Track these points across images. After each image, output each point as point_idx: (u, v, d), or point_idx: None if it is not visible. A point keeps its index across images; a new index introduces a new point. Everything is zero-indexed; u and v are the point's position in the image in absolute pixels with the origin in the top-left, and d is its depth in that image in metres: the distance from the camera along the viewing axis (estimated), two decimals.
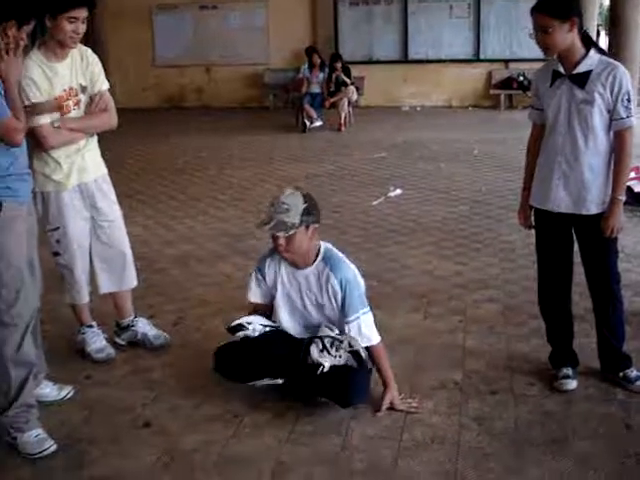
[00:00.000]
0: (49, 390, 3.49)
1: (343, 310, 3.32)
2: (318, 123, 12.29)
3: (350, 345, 3.27)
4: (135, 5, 15.80)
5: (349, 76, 12.78)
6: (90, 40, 14.72)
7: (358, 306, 3.31)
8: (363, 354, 3.29)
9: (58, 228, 3.70)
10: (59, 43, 3.54)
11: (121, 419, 3.33)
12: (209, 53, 15.79)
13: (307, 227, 3.21)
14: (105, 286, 3.97)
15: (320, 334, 3.35)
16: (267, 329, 3.42)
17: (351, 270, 3.39)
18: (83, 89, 3.68)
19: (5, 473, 2.96)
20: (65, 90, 3.60)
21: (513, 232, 6.01)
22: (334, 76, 12.63)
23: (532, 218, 3.59)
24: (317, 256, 3.35)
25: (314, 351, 3.27)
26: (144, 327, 4.07)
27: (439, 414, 3.27)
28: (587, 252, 3.40)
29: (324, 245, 3.41)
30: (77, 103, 3.67)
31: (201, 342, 3.90)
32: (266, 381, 3.37)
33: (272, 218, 3.18)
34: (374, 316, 3.36)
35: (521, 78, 14.26)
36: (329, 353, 3.25)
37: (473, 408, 3.31)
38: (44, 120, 3.52)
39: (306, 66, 13.02)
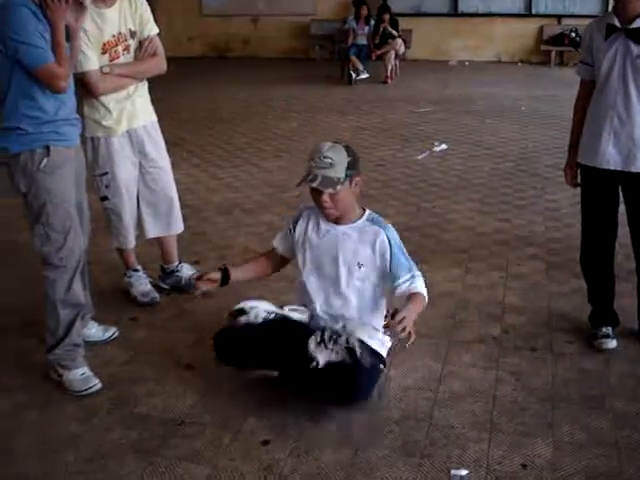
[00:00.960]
0: (94, 331, 3.59)
1: (391, 271, 3.05)
2: (364, 75, 12.19)
3: (347, 342, 2.95)
4: None
5: (397, 28, 12.62)
6: None
7: (411, 266, 3.07)
8: (358, 352, 2.92)
9: (107, 173, 3.76)
10: None
11: (164, 360, 3.41)
12: (256, 3, 15.67)
13: (351, 180, 3.00)
14: (152, 231, 4.03)
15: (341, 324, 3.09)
16: (271, 316, 3.15)
17: (395, 232, 3.14)
18: (132, 34, 3.68)
19: (50, 409, 3.06)
20: (114, 36, 3.61)
21: (559, 191, 5.95)
22: (381, 28, 12.48)
23: (579, 177, 3.53)
24: (361, 216, 3.12)
25: (311, 344, 2.96)
26: (188, 273, 4.14)
27: (476, 367, 3.30)
28: (634, 212, 3.35)
29: (368, 210, 3.17)
30: (126, 48, 3.67)
31: (243, 288, 3.96)
32: (264, 371, 3.19)
33: (315, 174, 2.94)
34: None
35: (573, 34, 13.90)
36: (326, 347, 2.94)
37: (510, 363, 3.32)
38: (93, 66, 3.54)
39: (352, 17, 12.87)
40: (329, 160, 2.94)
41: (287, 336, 3.04)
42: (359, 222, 3.11)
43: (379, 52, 12.33)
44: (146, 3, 3.79)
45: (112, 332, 3.63)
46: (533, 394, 3.08)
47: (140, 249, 4.18)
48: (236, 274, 3.21)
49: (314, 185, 2.95)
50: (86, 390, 3.15)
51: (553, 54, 14.21)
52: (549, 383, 3.16)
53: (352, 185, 3.02)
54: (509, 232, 5.06)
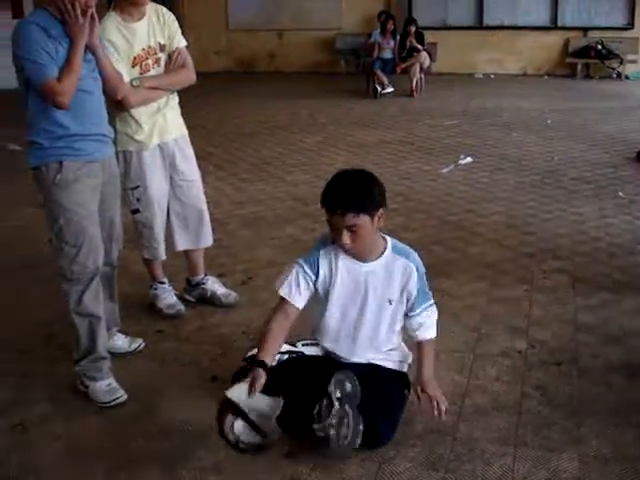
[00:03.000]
0: (121, 342, 3.62)
1: (415, 301, 2.96)
2: (389, 89, 12.20)
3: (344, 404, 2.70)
4: None
5: (422, 42, 12.64)
6: (167, 3, 14.93)
7: (428, 294, 3.00)
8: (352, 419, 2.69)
9: (139, 186, 3.79)
10: (131, 2, 3.59)
11: (189, 372, 3.43)
12: (282, 18, 15.78)
13: (373, 216, 2.74)
14: (182, 243, 4.05)
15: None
16: (285, 357, 3.00)
17: (416, 256, 2.98)
18: (162, 47, 3.73)
19: (75, 421, 3.09)
20: (144, 49, 3.65)
21: (585, 204, 5.93)
22: (407, 42, 12.50)
23: None
24: (384, 249, 2.90)
25: (315, 425, 2.69)
26: (213, 285, 4.17)
27: (501, 382, 3.28)
28: None
29: (389, 238, 2.96)
30: (157, 61, 3.72)
31: (268, 301, 3.96)
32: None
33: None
34: (440, 283, 3.36)
35: (599, 47, 13.85)
36: (331, 425, 2.66)
37: (536, 377, 3.30)
38: (124, 80, 3.56)
39: (378, 31, 12.90)
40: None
41: (306, 375, 2.91)
42: (385, 255, 2.89)
43: (404, 65, 12.35)
44: (174, 17, 3.84)
45: (138, 344, 3.66)
46: (558, 409, 3.05)
47: (166, 261, 4.21)
48: (270, 360, 2.83)
49: (344, 215, 2.68)
50: (112, 401, 3.17)
51: (579, 66, 14.16)
52: (575, 398, 3.13)
53: (376, 220, 2.77)
54: (535, 245, 5.03)
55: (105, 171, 3.26)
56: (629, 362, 3.42)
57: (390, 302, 2.94)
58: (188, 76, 3.84)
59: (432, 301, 3.02)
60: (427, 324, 2.99)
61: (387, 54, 12.64)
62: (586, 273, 4.50)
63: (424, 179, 6.87)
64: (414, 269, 2.90)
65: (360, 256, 2.87)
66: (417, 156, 7.85)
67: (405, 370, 3.09)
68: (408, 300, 2.95)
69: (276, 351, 2.89)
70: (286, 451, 2.82)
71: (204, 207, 4.05)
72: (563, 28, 14.60)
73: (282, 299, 2.90)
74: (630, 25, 14.23)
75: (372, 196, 2.74)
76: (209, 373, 3.41)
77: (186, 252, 4.14)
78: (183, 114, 4.00)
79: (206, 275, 4.20)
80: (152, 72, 3.71)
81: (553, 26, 14.69)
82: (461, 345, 3.61)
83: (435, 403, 2.89)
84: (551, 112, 10.34)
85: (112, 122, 3.45)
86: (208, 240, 4.12)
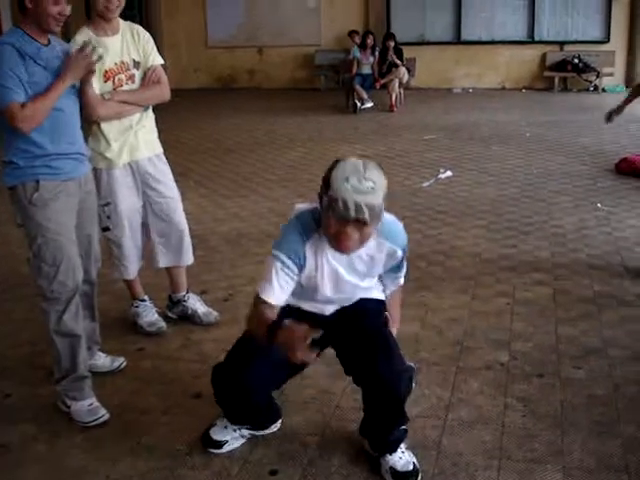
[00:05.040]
0: (102, 361, 3.60)
1: (392, 269, 2.78)
2: (369, 104, 12.26)
3: None
4: None
5: (401, 57, 12.71)
6: (145, 22, 14.99)
7: (404, 263, 2.82)
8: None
9: (109, 204, 3.78)
10: (101, 17, 3.60)
11: (171, 390, 3.41)
12: (261, 34, 15.83)
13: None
14: (162, 261, 4.04)
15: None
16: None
17: (406, 237, 2.70)
18: (136, 64, 3.72)
19: (58, 440, 3.06)
20: (116, 64, 3.65)
21: (564, 216, 5.98)
22: (387, 57, 12.57)
23: None
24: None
25: None
26: (195, 303, 4.15)
27: (484, 395, 3.28)
28: None
29: None
30: (130, 78, 3.71)
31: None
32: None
33: (357, 202, 2.28)
34: (421, 297, 3.36)
35: (576, 60, 14.01)
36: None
37: (519, 390, 3.31)
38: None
39: (357, 47, 12.97)
40: (371, 184, 2.32)
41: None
42: (370, 242, 2.55)
43: (383, 81, 12.41)
44: (149, 35, 3.84)
45: (120, 362, 3.64)
46: (542, 420, 3.06)
47: (149, 279, 4.20)
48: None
49: (365, 218, 2.30)
50: (94, 421, 3.15)
51: (556, 80, 14.29)
52: (558, 409, 3.15)
53: None
54: (515, 258, 5.06)
55: (82, 189, 3.25)
56: (611, 373, 3.44)
57: (371, 264, 2.67)
58: (162, 92, 3.82)
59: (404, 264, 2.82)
60: (399, 279, 2.92)
61: (366, 70, 12.70)
62: (567, 285, 4.53)
63: (405, 193, 6.90)
64: (399, 251, 2.66)
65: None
66: (398, 171, 7.87)
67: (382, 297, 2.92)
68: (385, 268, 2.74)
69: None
70: (270, 469, 2.81)
71: (184, 224, 4.03)
72: (540, 42, 14.75)
73: (258, 299, 2.54)
74: (606, 39, 14.41)
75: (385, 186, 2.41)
76: (191, 391, 3.39)
77: (167, 269, 4.13)
78: (162, 131, 3.99)
79: (188, 292, 4.19)
80: (125, 88, 3.70)
81: (530, 40, 14.83)
82: (444, 359, 3.62)
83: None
84: (529, 125, 10.43)
85: (85, 140, 3.45)
86: (189, 258, 4.10)
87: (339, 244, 2.43)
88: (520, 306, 4.23)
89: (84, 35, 3.60)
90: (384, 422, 2.75)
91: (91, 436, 3.08)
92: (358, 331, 2.74)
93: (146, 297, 4.11)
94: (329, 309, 2.80)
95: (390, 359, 2.64)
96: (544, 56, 14.62)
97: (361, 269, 2.65)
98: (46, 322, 3.17)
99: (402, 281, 2.96)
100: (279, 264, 2.50)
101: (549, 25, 14.76)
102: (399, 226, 2.68)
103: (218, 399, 2.81)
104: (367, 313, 2.80)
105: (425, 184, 7.24)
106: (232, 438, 2.94)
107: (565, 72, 14.19)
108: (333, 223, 2.36)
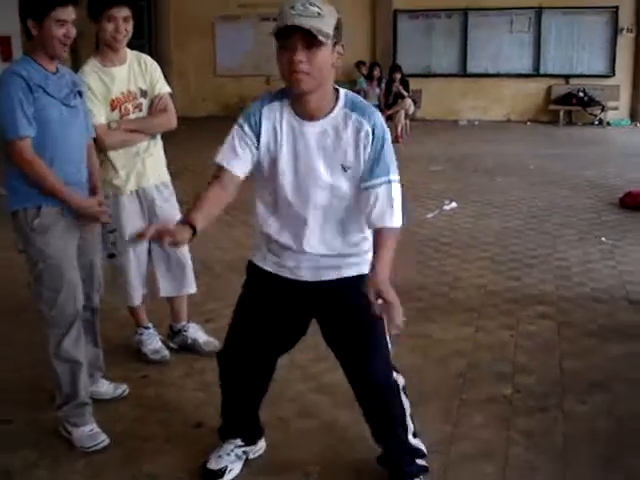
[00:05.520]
0: (105, 388, 3.60)
1: (369, 168, 2.46)
2: None
3: None
4: (198, 17, 16.11)
5: (407, 88, 12.82)
6: (154, 51, 15.16)
7: (390, 166, 2.48)
8: None
9: (115, 230, 3.80)
10: (107, 46, 3.65)
11: (174, 418, 3.41)
12: (269, 64, 15.94)
13: (334, 45, 2.39)
14: (164, 290, 4.04)
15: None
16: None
17: (381, 118, 2.53)
18: (143, 93, 3.77)
19: (59, 467, 3.05)
20: (122, 93, 3.69)
21: (569, 249, 5.99)
22: (393, 87, 12.67)
23: None
24: (336, 102, 2.49)
25: None
26: (195, 333, 4.15)
27: (487, 428, 3.27)
28: None
29: (342, 90, 2.55)
30: (137, 106, 3.75)
31: None
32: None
33: (300, 22, 2.26)
34: (424, 328, 3.36)
35: (581, 94, 14.11)
36: None
37: (522, 423, 3.30)
38: (98, 121, 3.60)
39: (362, 79, 13.08)
40: (316, 9, 2.29)
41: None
42: (335, 111, 2.47)
43: (389, 112, 12.50)
44: (156, 64, 3.88)
45: (122, 390, 3.63)
46: (545, 454, 3.05)
47: (152, 305, 4.20)
48: (201, 223, 2.47)
49: (300, 24, 2.25)
50: (94, 446, 3.15)
51: (561, 113, 14.38)
52: (561, 443, 3.13)
53: (335, 56, 2.42)
54: (519, 290, 5.06)
55: None
56: (615, 407, 3.43)
57: (345, 169, 2.47)
58: (168, 120, 3.85)
59: (396, 178, 2.51)
60: (385, 203, 2.49)
61: (373, 101, 12.78)
62: (571, 318, 4.53)
63: (409, 224, 6.89)
64: (369, 130, 2.44)
65: (308, 103, 2.44)
66: (402, 201, 7.88)
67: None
68: (362, 168, 2.47)
69: (209, 216, 2.52)
70: None
71: (187, 254, 4.03)
72: (545, 75, 14.88)
73: (217, 168, 2.52)
74: (611, 73, 14.53)
75: (337, 24, 2.37)
76: (194, 419, 3.38)
77: (168, 298, 4.13)
78: (169, 158, 4.02)
79: (189, 322, 4.19)
80: (132, 116, 3.74)
81: (535, 74, 14.96)
82: (447, 391, 3.61)
83: (393, 314, 2.40)
84: (534, 158, 10.47)
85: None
86: (191, 287, 4.10)
87: (290, 75, 2.35)
88: (524, 339, 4.23)
89: (91, 65, 3.67)
90: (380, 429, 2.78)
91: (93, 463, 3.07)
92: (343, 322, 2.65)
93: (150, 325, 4.11)
94: (308, 241, 2.56)
95: (374, 360, 2.63)
96: (549, 89, 14.74)
97: (328, 147, 2.46)
98: (47, 346, 3.18)
99: (394, 219, 2.53)
100: (236, 127, 2.51)
101: (554, 59, 14.89)
102: (371, 108, 2.53)
103: (223, 383, 2.86)
104: (356, 297, 2.51)
105: (430, 215, 7.26)
106: (230, 462, 2.93)
107: (570, 105, 14.29)
108: (281, 53, 2.35)
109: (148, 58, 3.86)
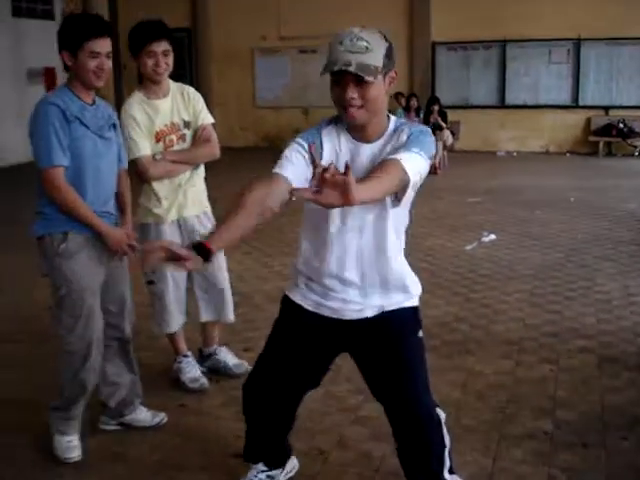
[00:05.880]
0: (143, 416, 3.63)
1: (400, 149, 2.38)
2: None
3: None
4: (238, 48, 16.39)
5: (445, 120, 12.84)
6: (195, 81, 15.43)
7: (421, 147, 2.39)
8: None
9: None
10: (151, 80, 3.75)
11: (211, 448, 3.42)
12: (307, 95, 16.12)
13: (386, 75, 2.38)
14: (204, 315, 4.09)
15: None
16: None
17: (431, 136, 2.51)
18: (187, 124, 3.86)
19: None
20: (166, 125, 3.79)
21: (610, 282, 5.91)
22: (431, 119, 12.70)
23: None
24: (388, 124, 2.51)
25: None
26: (226, 356, 4.21)
27: (527, 464, 3.23)
28: None
29: (393, 117, 2.55)
30: (181, 137, 3.85)
31: None
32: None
33: (348, 60, 2.26)
34: (463, 361, 3.31)
35: (621, 125, 13.99)
36: None
37: (562, 459, 3.25)
38: (143, 152, 3.71)
39: (401, 111, 13.13)
40: (364, 43, 2.29)
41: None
42: (386, 135, 2.49)
43: None
44: (199, 95, 3.96)
45: (161, 418, 3.66)
46: None
47: (188, 333, 4.23)
48: (220, 242, 2.31)
49: (350, 69, 2.26)
50: (66, 460, 3.29)
51: (601, 145, 14.27)
52: (602, 479, 3.09)
53: (387, 83, 2.40)
54: (559, 324, 5.00)
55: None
56: None
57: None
58: (211, 151, 3.93)
59: (424, 155, 2.41)
60: (404, 154, 2.34)
61: None
62: (612, 352, 4.46)
63: (448, 256, 6.89)
64: (408, 130, 2.45)
65: (363, 130, 2.45)
66: (441, 233, 7.89)
67: (415, 301, 2.70)
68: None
69: (234, 233, 2.37)
70: None
71: (226, 282, 4.08)
72: (585, 107, 14.78)
73: (270, 176, 2.47)
74: None
75: (386, 52, 2.35)
76: (231, 449, 3.38)
77: (203, 323, 4.18)
78: (209, 188, 4.10)
79: (219, 346, 4.23)
80: (176, 148, 3.83)
81: (575, 105, 14.87)
82: (486, 425, 3.58)
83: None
84: (574, 190, 10.38)
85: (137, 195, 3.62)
86: (230, 316, 4.13)
87: (345, 110, 2.36)
88: (564, 373, 4.17)
89: (136, 98, 3.77)
90: (415, 464, 2.65)
91: None
92: (385, 356, 2.59)
93: (189, 353, 4.15)
94: (350, 268, 2.54)
95: (417, 392, 2.57)
96: (589, 120, 14.64)
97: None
98: (62, 367, 3.27)
99: (405, 158, 2.32)
100: (294, 144, 2.51)
101: (593, 90, 14.79)
102: (418, 124, 2.55)
103: (247, 414, 2.86)
104: (397, 331, 2.58)
105: (468, 247, 7.23)
106: None
107: (610, 137, 14.17)
108: (333, 88, 2.36)
109: (191, 89, 3.94)
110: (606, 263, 6.53)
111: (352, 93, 2.31)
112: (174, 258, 2.15)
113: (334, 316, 2.61)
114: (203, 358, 4.24)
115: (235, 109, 16.46)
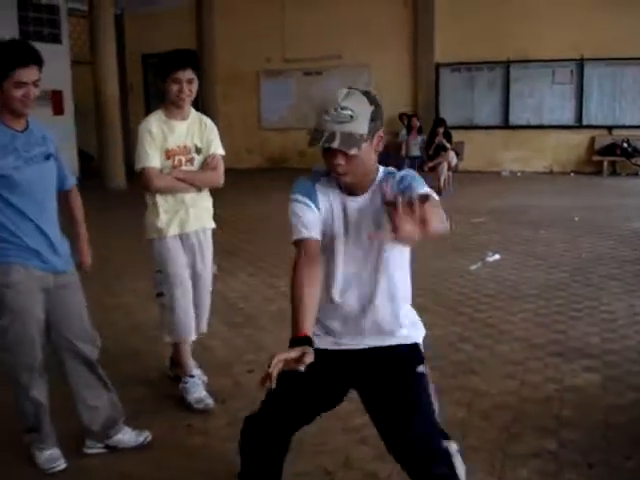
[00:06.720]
0: (128, 437, 3.63)
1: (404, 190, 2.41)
2: None
3: None
4: (244, 71, 16.57)
5: (450, 141, 12.91)
6: (201, 105, 15.54)
7: (420, 185, 2.46)
8: None
9: (161, 271, 4.02)
10: (172, 103, 3.93)
11: (217, 468, 3.43)
12: (312, 117, 16.18)
13: (373, 137, 2.44)
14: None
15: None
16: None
17: (413, 174, 2.59)
18: (198, 150, 4.02)
19: None
20: (178, 146, 3.96)
21: (615, 301, 5.92)
22: (436, 141, 12.78)
23: None
24: (377, 175, 2.58)
25: None
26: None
27: None
28: None
29: (382, 168, 2.62)
30: (189, 160, 4.00)
31: None
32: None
33: (333, 131, 2.35)
34: (468, 381, 3.33)
35: (625, 144, 14.05)
36: None
37: (567, 478, 3.26)
38: (152, 164, 3.88)
39: (404, 131, 13.22)
40: (349, 112, 2.37)
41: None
42: (373, 186, 2.54)
43: (432, 164, 12.58)
44: (215, 127, 4.14)
45: (145, 436, 3.66)
46: None
47: (194, 355, 4.26)
48: (309, 328, 2.42)
49: (334, 146, 2.35)
50: (51, 469, 3.39)
51: (605, 164, 14.33)
52: None
53: (375, 143, 2.46)
54: (564, 343, 5.01)
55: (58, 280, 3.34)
56: None
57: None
58: (215, 178, 4.09)
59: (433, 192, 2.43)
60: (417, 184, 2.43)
61: (415, 152, 12.91)
62: (616, 372, 4.47)
63: (452, 276, 6.92)
64: (397, 177, 2.52)
65: (352, 187, 2.52)
66: (445, 253, 7.91)
67: (419, 338, 2.73)
68: None
69: (313, 312, 2.44)
70: None
71: (208, 298, 4.22)
72: (588, 127, 14.86)
73: (295, 244, 2.51)
74: None
75: (372, 115, 2.42)
76: (236, 470, 3.37)
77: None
78: (215, 208, 4.21)
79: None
80: (184, 168, 3.98)
81: (578, 125, 14.95)
82: (491, 445, 3.58)
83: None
84: (578, 209, 10.42)
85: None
86: (204, 326, 4.25)
87: (333, 173, 2.46)
88: (569, 393, 4.18)
89: (156, 116, 3.96)
90: None
91: None
92: (385, 390, 2.57)
93: (195, 373, 4.17)
94: (353, 310, 2.60)
95: (419, 426, 2.47)
96: (592, 140, 14.71)
97: (370, 215, 2.51)
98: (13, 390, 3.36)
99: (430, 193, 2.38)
100: (293, 202, 2.57)
101: (597, 110, 14.89)
102: (405, 171, 2.60)
103: (244, 453, 2.80)
104: (398, 367, 2.59)
105: (473, 267, 7.25)
106: None
107: (614, 156, 14.24)
108: (324, 154, 2.45)
109: (209, 120, 4.13)
110: (611, 282, 6.55)
111: (339, 161, 2.40)
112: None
113: (337, 348, 2.66)
114: (173, 365, 4.35)
115: (240, 131, 16.59)
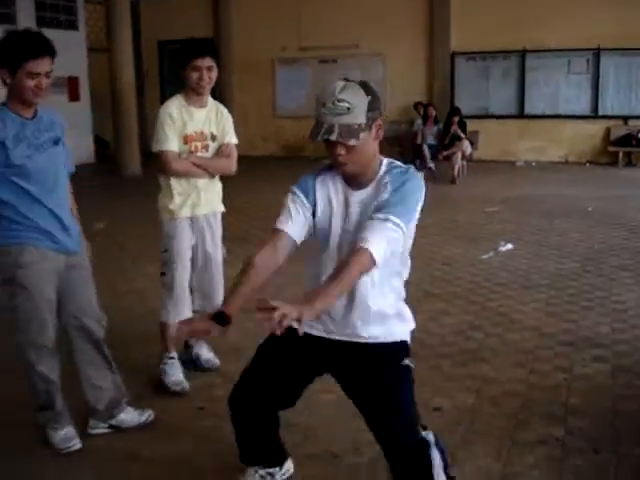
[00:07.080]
0: (131, 416, 3.71)
1: (381, 207, 2.48)
2: (431, 164, 12.63)
3: None
4: (259, 60, 16.57)
5: (464, 130, 12.89)
6: (217, 94, 15.53)
7: (396, 210, 2.45)
8: None
9: (166, 251, 4.12)
10: (194, 90, 4.00)
11: (230, 451, 3.45)
12: None
13: (371, 125, 2.49)
14: (195, 303, 4.25)
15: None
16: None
17: (418, 179, 2.59)
18: (213, 137, 4.11)
19: None
20: (195, 132, 4.05)
21: (626, 292, 5.93)
22: (451, 130, 12.76)
23: None
24: (380, 168, 2.61)
25: None
26: (200, 349, 4.44)
27: (539, 469, 3.27)
28: None
29: (386, 160, 2.64)
30: (205, 147, 4.09)
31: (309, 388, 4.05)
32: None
33: (331, 124, 2.42)
34: (478, 368, 3.34)
35: None
36: None
37: (573, 465, 3.29)
38: (171, 147, 3.96)
39: (420, 120, 13.22)
40: (346, 104, 2.42)
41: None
42: (376, 180, 2.59)
43: (446, 153, 12.57)
44: (230, 116, 4.23)
45: (148, 414, 3.74)
46: None
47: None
48: (237, 306, 2.59)
49: (332, 139, 2.42)
50: (67, 449, 3.44)
51: (620, 155, 14.25)
52: None
53: (374, 132, 2.52)
54: (575, 333, 5.03)
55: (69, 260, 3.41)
56: None
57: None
58: (228, 166, 4.19)
59: (398, 222, 2.44)
60: (375, 230, 2.42)
61: (430, 140, 12.92)
62: (626, 361, 4.49)
63: (464, 265, 6.94)
64: (390, 177, 2.56)
65: (354, 178, 2.58)
66: (458, 242, 7.93)
67: (407, 330, 2.76)
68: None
69: (246, 295, 2.59)
70: None
71: (221, 278, 4.26)
72: (604, 117, 14.77)
73: (273, 232, 2.64)
74: None
75: (369, 105, 2.46)
76: None
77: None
78: (228, 195, 4.30)
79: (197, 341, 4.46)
80: (199, 154, 4.08)
81: (594, 115, 14.87)
82: (499, 431, 3.62)
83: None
84: (592, 200, 10.39)
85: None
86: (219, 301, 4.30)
87: (335, 164, 2.54)
88: (578, 381, 4.21)
89: (176, 101, 4.03)
90: None
91: None
92: (367, 382, 2.65)
93: (175, 354, 4.27)
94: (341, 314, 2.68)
95: (397, 423, 2.57)
96: (608, 130, 14.63)
97: (370, 210, 2.53)
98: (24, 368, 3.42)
99: (373, 250, 2.39)
100: (290, 195, 2.66)
101: (613, 100, 14.79)
102: (408, 169, 2.61)
103: (235, 424, 2.89)
104: (383, 359, 2.66)
105: (485, 256, 7.27)
106: None
107: (630, 147, 14.16)
108: (325, 145, 2.51)
109: (225, 110, 4.23)
110: (623, 273, 6.55)
111: (340, 151, 2.47)
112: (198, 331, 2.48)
113: (324, 335, 2.73)
114: (186, 349, 4.45)
115: (256, 119, 16.61)
